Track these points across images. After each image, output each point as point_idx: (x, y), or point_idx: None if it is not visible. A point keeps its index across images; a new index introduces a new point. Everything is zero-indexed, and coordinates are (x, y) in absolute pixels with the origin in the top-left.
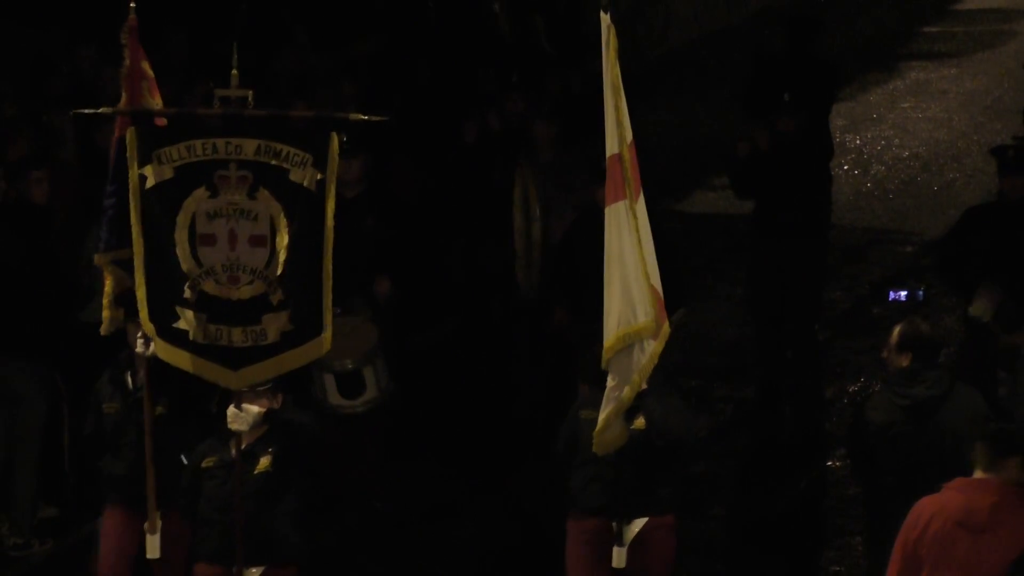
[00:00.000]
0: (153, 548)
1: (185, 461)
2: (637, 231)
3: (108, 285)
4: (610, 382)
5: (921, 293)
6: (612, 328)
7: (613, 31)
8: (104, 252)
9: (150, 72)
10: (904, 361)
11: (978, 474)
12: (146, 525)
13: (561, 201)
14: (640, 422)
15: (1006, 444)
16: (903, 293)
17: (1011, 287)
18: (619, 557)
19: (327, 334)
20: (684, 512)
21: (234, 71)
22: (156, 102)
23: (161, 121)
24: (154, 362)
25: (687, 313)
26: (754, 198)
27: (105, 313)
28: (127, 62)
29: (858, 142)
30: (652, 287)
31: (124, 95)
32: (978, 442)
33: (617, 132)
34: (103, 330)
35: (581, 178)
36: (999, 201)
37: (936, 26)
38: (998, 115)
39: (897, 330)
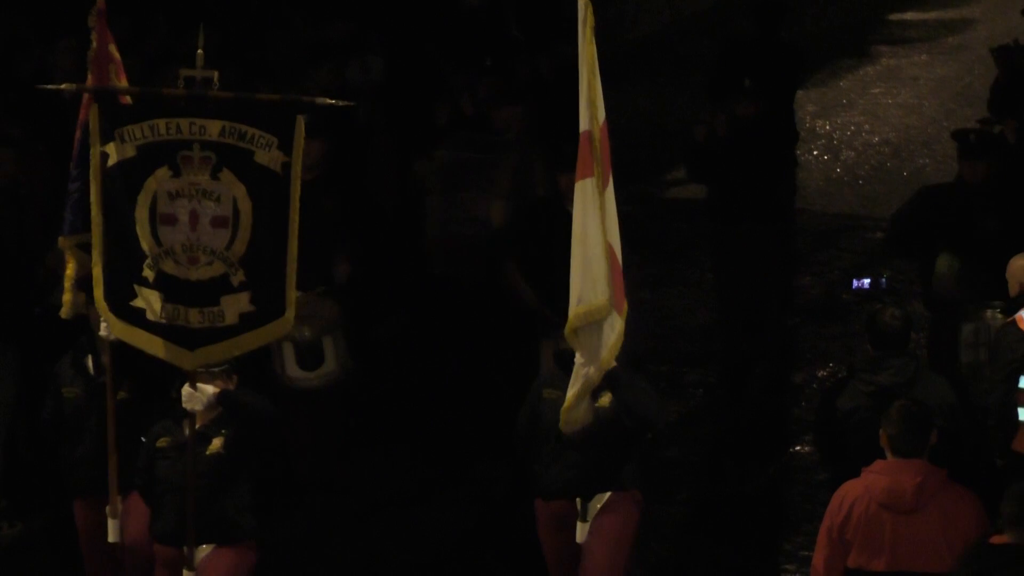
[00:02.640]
0: (113, 532)
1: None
2: (601, 209)
3: (70, 268)
4: (578, 359)
5: (884, 281)
6: (573, 305)
7: (590, 9)
8: (68, 235)
9: (117, 55)
10: (870, 348)
11: (893, 457)
12: (107, 509)
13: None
14: (605, 399)
15: (923, 422)
16: (866, 281)
17: (968, 268)
18: (581, 532)
19: (289, 315)
20: (652, 496)
21: (199, 51)
22: (123, 84)
23: (125, 99)
24: (117, 346)
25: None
26: (707, 182)
27: (66, 296)
28: (94, 44)
29: (828, 128)
30: (617, 264)
31: (90, 77)
32: (893, 424)
33: (589, 110)
34: (63, 313)
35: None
36: (957, 183)
37: (907, 12)
38: (969, 101)
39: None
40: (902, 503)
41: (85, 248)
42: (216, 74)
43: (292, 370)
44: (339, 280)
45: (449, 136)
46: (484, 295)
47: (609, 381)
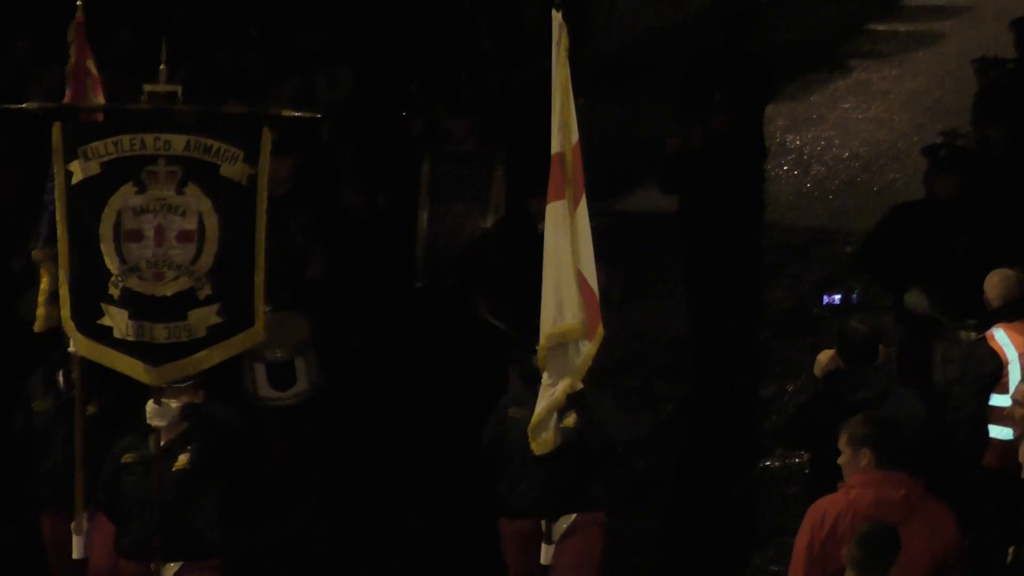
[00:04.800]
0: (78, 549)
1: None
2: (572, 231)
3: (44, 282)
4: (545, 380)
5: (855, 296)
6: (544, 327)
7: (565, 30)
8: (42, 248)
9: (95, 70)
10: (841, 362)
11: (874, 470)
12: (72, 525)
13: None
14: (570, 420)
15: (899, 433)
16: (837, 297)
17: (941, 284)
18: (547, 554)
19: (259, 325)
20: (623, 509)
21: (162, 66)
22: (100, 100)
23: (97, 116)
24: (87, 362)
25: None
26: (679, 194)
27: (39, 311)
28: (72, 59)
29: (799, 142)
30: (589, 288)
31: (68, 92)
32: (880, 438)
33: (562, 132)
34: (37, 327)
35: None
36: (928, 199)
37: (878, 25)
38: (939, 116)
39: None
40: (891, 515)
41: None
42: (180, 88)
43: (264, 390)
44: (311, 277)
45: (433, 149)
46: (458, 307)
47: (575, 401)
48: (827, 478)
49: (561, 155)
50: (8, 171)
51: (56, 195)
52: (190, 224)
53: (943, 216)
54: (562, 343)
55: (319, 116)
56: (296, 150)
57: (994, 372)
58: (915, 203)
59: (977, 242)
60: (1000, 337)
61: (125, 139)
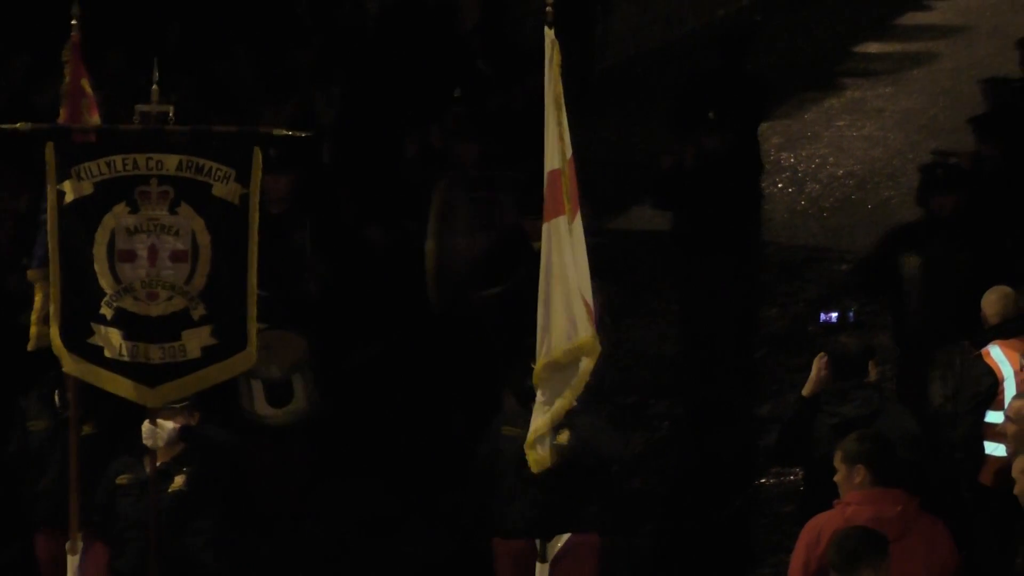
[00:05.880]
0: (72, 570)
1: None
2: (571, 245)
3: (38, 301)
4: (539, 397)
5: (852, 314)
6: (558, 343)
7: (556, 46)
8: (37, 267)
9: (89, 90)
10: (833, 380)
11: (869, 487)
12: (67, 545)
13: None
14: (563, 437)
15: (892, 452)
16: (834, 315)
17: (941, 303)
18: (541, 573)
19: (251, 348)
20: (618, 529)
21: (154, 86)
22: (94, 120)
23: (90, 136)
24: (82, 381)
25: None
26: (671, 211)
27: (32, 329)
28: (67, 79)
29: (793, 160)
30: (586, 303)
31: (63, 112)
32: (874, 455)
33: (558, 147)
34: (29, 346)
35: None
36: (927, 218)
37: (872, 44)
38: (934, 134)
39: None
40: (889, 531)
41: None
42: (171, 108)
43: (261, 407)
44: (308, 295)
45: (444, 174)
46: (454, 328)
47: (568, 419)
48: (821, 496)
49: (559, 171)
50: (4, 190)
51: (48, 215)
52: (183, 244)
53: (940, 235)
54: (575, 359)
55: (309, 135)
56: (295, 168)
57: (990, 389)
58: (911, 224)
59: (974, 260)
60: (996, 354)
61: (118, 159)
